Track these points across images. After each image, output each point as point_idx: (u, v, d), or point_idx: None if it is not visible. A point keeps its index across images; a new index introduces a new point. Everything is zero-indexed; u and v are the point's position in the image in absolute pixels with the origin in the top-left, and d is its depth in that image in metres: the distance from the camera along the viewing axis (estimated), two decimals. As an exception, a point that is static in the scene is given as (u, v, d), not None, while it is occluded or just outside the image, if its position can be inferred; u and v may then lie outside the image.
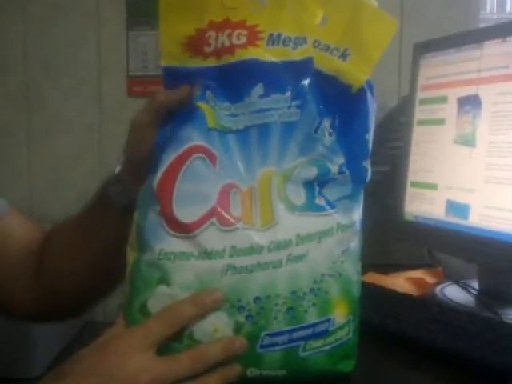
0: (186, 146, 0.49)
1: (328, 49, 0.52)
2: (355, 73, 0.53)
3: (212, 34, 0.51)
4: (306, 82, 0.51)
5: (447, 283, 0.90)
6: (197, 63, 0.52)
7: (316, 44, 0.52)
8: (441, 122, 0.87)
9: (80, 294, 0.67)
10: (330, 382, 0.52)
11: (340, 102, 0.52)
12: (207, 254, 0.48)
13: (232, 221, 0.48)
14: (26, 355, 1.09)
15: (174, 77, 0.54)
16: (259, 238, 0.48)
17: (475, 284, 0.87)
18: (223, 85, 0.51)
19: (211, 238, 0.48)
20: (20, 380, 1.08)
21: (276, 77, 0.51)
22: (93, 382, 0.44)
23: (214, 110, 0.51)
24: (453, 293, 0.85)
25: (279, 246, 0.48)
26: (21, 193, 1.56)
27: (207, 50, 0.51)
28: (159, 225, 0.49)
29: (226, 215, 0.48)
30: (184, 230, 0.48)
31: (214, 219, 0.48)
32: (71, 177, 1.56)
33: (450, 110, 0.85)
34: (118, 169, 0.64)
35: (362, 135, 0.54)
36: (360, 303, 0.55)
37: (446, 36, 0.89)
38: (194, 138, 0.50)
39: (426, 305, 0.72)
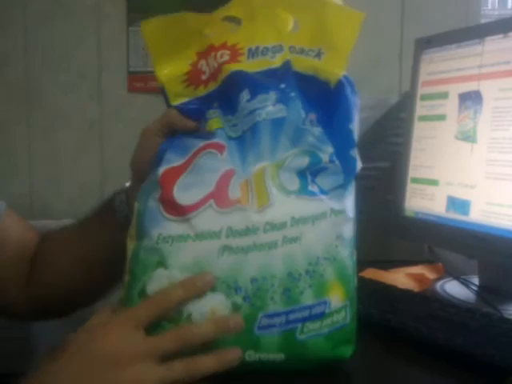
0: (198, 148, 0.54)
1: (303, 51, 0.56)
2: (331, 69, 0.56)
3: (203, 62, 0.57)
4: (287, 82, 0.55)
5: (448, 279, 0.90)
6: (201, 92, 0.57)
7: (292, 49, 0.56)
8: (442, 117, 0.86)
9: (72, 297, 0.68)
10: (330, 374, 0.53)
11: (321, 97, 0.55)
12: (204, 236, 0.49)
13: (229, 203, 0.50)
14: (27, 350, 1.09)
15: (187, 110, 0.57)
16: (255, 218, 0.50)
17: (476, 280, 0.87)
18: (224, 101, 0.55)
19: (208, 219, 0.50)
20: (20, 375, 1.09)
21: (259, 81, 0.55)
22: (75, 363, 0.45)
23: (223, 125, 0.55)
24: (453, 289, 0.85)
25: (274, 227, 0.50)
26: (21, 188, 1.56)
27: (204, 77, 0.57)
28: (157, 210, 0.51)
29: (223, 197, 0.51)
30: (181, 212, 0.50)
31: (211, 201, 0.50)
32: (71, 172, 1.56)
33: (450, 105, 0.85)
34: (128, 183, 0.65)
35: (345, 126, 0.55)
36: (360, 298, 0.55)
37: (447, 32, 0.89)
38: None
39: (427, 301, 0.72)
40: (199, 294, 0.48)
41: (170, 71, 0.58)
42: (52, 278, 0.67)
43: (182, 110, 0.57)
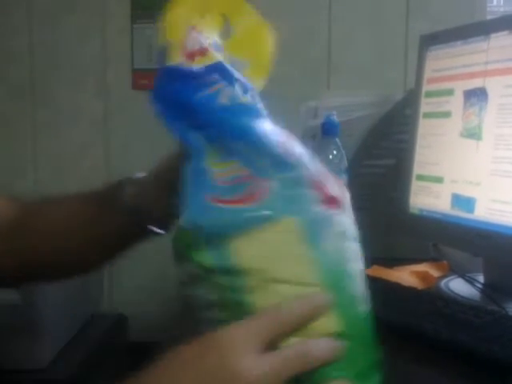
0: None
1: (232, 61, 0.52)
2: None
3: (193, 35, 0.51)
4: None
5: (452, 277, 0.90)
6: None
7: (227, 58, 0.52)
8: (447, 114, 0.86)
9: (59, 268, 0.68)
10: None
11: None
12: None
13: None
14: (33, 347, 1.10)
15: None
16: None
17: (480, 277, 0.87)
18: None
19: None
20: (27, 371, 1.09)
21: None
22: (191, 374, 0.41)
23: None
24: (458, 286, 0.85)
25: None
26: (26, 185, 1.56)
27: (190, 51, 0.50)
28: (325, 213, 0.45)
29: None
30: (340, 205, 0.46)
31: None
32: (76, 169, 1.57)
33: (456, 102, 0.84)
34: (138, 174, 0.65)
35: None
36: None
37: (452, 28, 0.89)
38: None
39: (431, 298, 0.72)
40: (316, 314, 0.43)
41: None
42: (40, 247, 0.66)
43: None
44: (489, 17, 1.47)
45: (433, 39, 0.90)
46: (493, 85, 0.78)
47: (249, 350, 0.41)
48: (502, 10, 1.55)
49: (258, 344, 0.41)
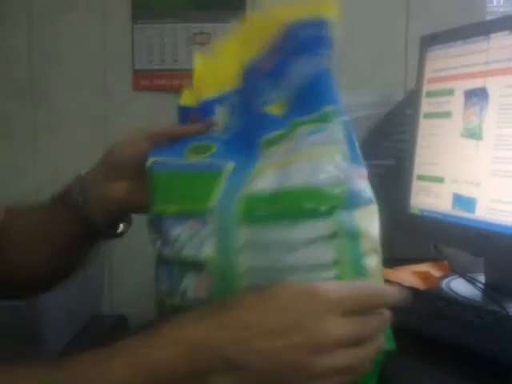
0: None
1: None
2: None
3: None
4: None
5: (453, 277, 0.90)
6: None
7: None
8: (447, 114, 0.86)
9: (34, 280, 0.68)
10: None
11: None
12: None
13: None
14: (34, 348, 1.10)
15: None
16: None
17: (481, 278, 0.87)
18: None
19: None
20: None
21: None
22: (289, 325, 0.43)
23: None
24: (459, 286, 0.85)
25: None
26: (26, 186, 1.56)
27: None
28: None
29: None
30: None
31: None
32: (76, 169, 1.56)
33: (456, 102, 0.84)
34: (85, 170, 0.67)
35: None
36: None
37: (452, 28, 0.89)
38: None
39: (432, 298, 0.72)
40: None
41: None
42: (15, 260, 0.66)
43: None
44: (489, 17, 1.46)
45: (433, 39, 0.90)
46: (493, 85, 0.78)
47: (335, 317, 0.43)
48: (501, 10, 1.55)
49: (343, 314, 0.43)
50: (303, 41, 0.55)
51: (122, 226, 0.66)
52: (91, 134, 1.56)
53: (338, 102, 0.52)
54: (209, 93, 0.62)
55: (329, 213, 0.47)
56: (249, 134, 0.56)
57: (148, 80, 1.52)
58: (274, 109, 0.55)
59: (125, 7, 1.51)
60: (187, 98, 0.63)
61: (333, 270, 0.47)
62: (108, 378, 0.42)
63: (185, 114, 0.63)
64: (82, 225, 0.63)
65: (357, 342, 0.44)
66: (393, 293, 0.47)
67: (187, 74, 0.67)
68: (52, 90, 1.55)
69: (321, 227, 0.47)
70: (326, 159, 0.49)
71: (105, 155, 0.63)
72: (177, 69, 1.49)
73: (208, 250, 0.48)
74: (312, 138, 0.50)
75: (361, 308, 0.44)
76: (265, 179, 0.50)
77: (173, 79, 1.50)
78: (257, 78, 0.58)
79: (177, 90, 0.65)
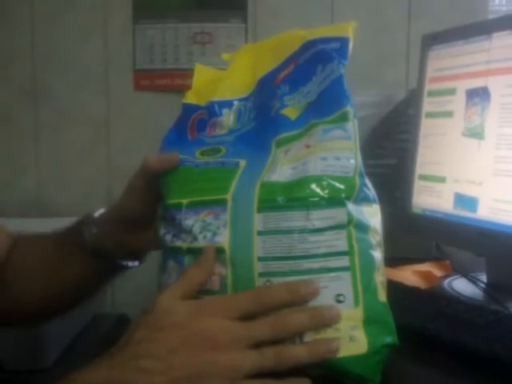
0: None
1: None
2: None
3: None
4: None
5: (455, 276, 0.90)
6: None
7: None
8: (449, 114, 0.86)
9: (36, 310, 0.68)
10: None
11: None
12: None
13: None
14: (36, 347, 1.10)
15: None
16: None
17: (483, 277, 0.87)
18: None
19: None
20: (29, 372, 1.09)
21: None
22: (175, 339, 0.46)
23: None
24: (461, 286, 0.85)
25: None
26: (28, 186, 1.56)
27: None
28: None
29: None
30: None
31: None
32: (79, 170, 1.56)
33: (458, 102, 0.84)
34: (98, 212, 0.66)
35: None
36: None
37: (454, 28, 0.89)
38: None
39: (434, 298, 0.72)
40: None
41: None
42: (21, 287, 0.66)
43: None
44: (491, 16, 1.46)
45: (435, 39, 0.90)
46: (495, 84, 0.78)
47: (229, 319, 0.47)
48: (504, 9, 1.54)
49: (234, 316, 0.47)
50: (325, 51, 0.57)
51: (136, 262, 0.66)
52: (93, 133, 1.56)
53: (353, 104, 0.54)
54: (218, 96, 0.63)
55: (343, 202, 0.49)
56: (260, 136, 0.58)
57: (149, 80, 1.52)
58: (289, 112, 0.57)
59: (126, 7, 1.51)
60: (191, 98, 0.65)
61: (345, 258, 0.48)
62: None
63: (190, 111, 0.64)
64: (94, 263, 0.64)
65: (253, 344, 0.46)
66: (278, 291, 0.48)
67: (188, 73, 0.68)
68: (54, 90, 1.55)
69: (335, 216, 0.48)
70: (345, 152, 0.51)
71: (114, 209, 0.63)
72: (178, 68, 1.49)
73: (223, 239, 0.49)
74: (331, 134, 0.52)
75: (249, 312, 0.47)
76: (281, 171, 0.52)
77: (174, 79, 1.50)
78: (272, 85, 0.60)
79: (178, 90, 0.65)
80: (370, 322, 0.48)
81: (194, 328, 0.46)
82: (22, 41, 1.54)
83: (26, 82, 1.54)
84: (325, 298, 0.48)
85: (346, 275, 0.48)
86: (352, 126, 0.53)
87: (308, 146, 0.53)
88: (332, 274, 0.48)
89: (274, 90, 0.60)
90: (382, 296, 0.51)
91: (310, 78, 0.57)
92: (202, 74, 0.68)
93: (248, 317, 0.47)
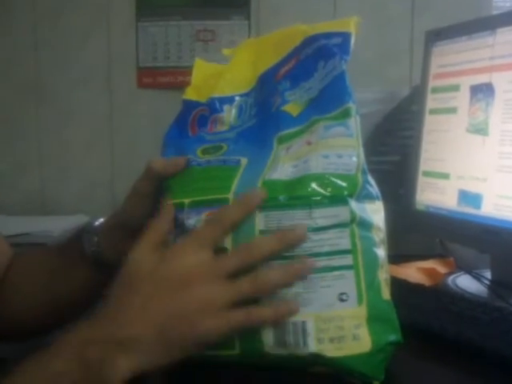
0: None
1: None
2: None
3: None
4: None
5: (459, 273, 0.90)
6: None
7: None
8: (453, 110, 0.86)
9: (36, 324, 0.68)
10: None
11: None
12: None
13: None
14: (42, 345, 1.10)
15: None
16: None
17: (488, 274, 0.86)
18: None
19: None
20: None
21: None
22: (148, 287, 0.47)
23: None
24: (465, 283, 0.85)
25: None
26: (31, 184, 1.57)
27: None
28: None
29: None
30: None
31: None
32: (82, 168, 1.57)
33: (462, 98, 0.84)
34: (99, 221, 0.65)
35: None
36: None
37: (457, 24, 0.88)
38: None
39: (438, 295, 0.72)
40: (253, 211, 0.48)
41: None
42: (18, 304, 0.66)
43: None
44: (494, 12, 1.46)
45: (438, 35, 0.90)
46: (499, 80, 0.78)
47: (196, 252, 0.48)
48: (507, 5, 1.54)
49: (204, 245, 0.48)
50: (327, 46, 0.57)
51: None
52: (96, 131, 1.56)
53: (355, 101, 0.54)
54: (219, 92, 0.63)
55: (345, 200, 0.48)
56: (262, 132, 0.57)
57: (152, 77, 1.52)
58: (290, 108, 0.56)
59: (129, 5, 1.51)
60: (191, 94, 0.64)
61: (348, 256, 0.48)
62: None
63: (190, 107, 0.63)
64: (95, 273, 0.63)
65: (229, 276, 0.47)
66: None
67: (191, 71, 0.67)
68: (56, 89, 1.55)
69: (338, 214, 0.48)
70: (347, 149, 0.51)
71: (117, 215, 0.63)
72: (181, 66, 1.49)
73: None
74: (332, 131, 0.52)
75: (215, 240, 0.48)
76: (282, 169, 0.51)
77: (177, 76, 1.50)
78: (274, 81, 0.60)
79: (181, 88, 0.65)
80: (373, 320, 0.48)
81: (164, 272, 0.47)
82: (24, 39, 1.54)
83: (29, 80, 1.55)
84: (328, 297, 0.48)
85: (350, 274, 0.48)
86: (354, 123, 0.52)
87: (309, 143, 0.52)
88: (335, 273, 0.48)
89: (275, 85, 0.59)
90: (386, 294, 0.50)
91: (311, 74, 0.57)
92: (201, 70, 0.67)
93: (215, 243, 0.48)
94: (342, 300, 0.48)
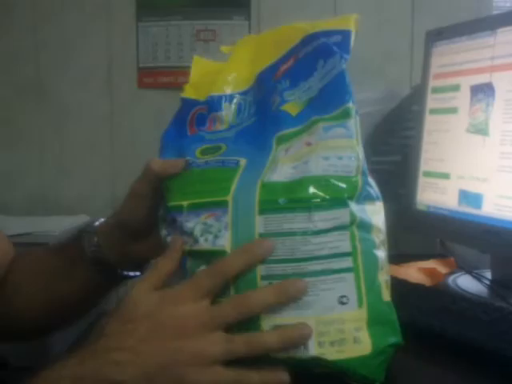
0: None
1: None
2: None
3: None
4: None
5: (460, 273, 0.90)
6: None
7: None
8: (453, 110, 0.86)
9: (37, 324, 0.68)
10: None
11: None
12: None
13: None
14: (43, 344, 1.10)
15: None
16: None
17: (488, 274, 0.86)
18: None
19: None
20: (34, 369, 1.10)
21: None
22: (143, 330, 0.46)
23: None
24: (465, 283, 0.85)
25: None
26: (32, 185, 1.57)
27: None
28: None
29: None
30: None
31: None
32: (82, 168, 1.57)
33: (462, 98, 0.84)
34: (99, 221, 0.65)
35: None
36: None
37: (458, 23, 0.88)
38: None
39: (439, 295, 0.72)
40: (258, 262, 0.47)
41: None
42: (19, 304, 0.66)
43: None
44: (495, 12, 1.45)
45: (439, 35, 0.90)
46: (500, 80, 0.77)
47: (194, 301, 0.47)
48: (508, 5, 1.54)
49: (202, 297, 0.47)
50: (326, 45, 0.56)
51: (138, 272, 0.66)
52: (97, 131, 1.56)
53: (355, 101, 0.53)
54: (217, 90, 0.62)
55: (345, 202, 0.48)
56: (261, 132, 0.57)
57: (152, 77, 1.52)
58: (290, 108, 0.56)
59: (129, 6, 1.51)
60: (189, 93, 0.64)
61: (348, 259, 0.48)
62: None
63: (189, 106, 0.62)
64: (95, 274, 0.63)
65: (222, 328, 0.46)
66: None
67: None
68: (58, 89, 1.55)
69: (338, 216, 0.48)
70: (347, 151, 0.50)
71: (117, 216, 0.62)
72: (181, 66, 1.50)
73: (224, 241, 0.49)
74: (333, 132, 0.51)
75: (209, 288, 0.47)
76: (281, 170, 0.51)
77: (177, 76, 1.50)
78: (273, 80, 0.59)
79: (181, 88, 0.64)
80: (373, 322, 0.48)
81: (160, 317, 0.47)
82: (25, 40, 1.54)
83: (30, 81, 1.55)
84: (328, 300, 0.47)
85: (350, 276, 0.47)
86: (354, 124, 0.52)
87: (309, 144, 0.52)
88: (335, 276, 0.47)
89: (274, 84, 0.59)
90: (386, 295, 0.50)
91: (311, 73, 0.56)
92: (200, 67, 0.67)
93: (214, 293, 0.48)
94: (342, 303, 0.47)
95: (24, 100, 1.56)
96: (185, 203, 0.52)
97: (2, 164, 1.55)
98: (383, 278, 0.50)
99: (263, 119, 0.58)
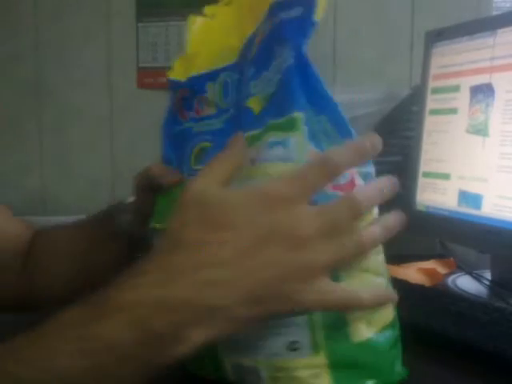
0: None
1: None
2: None
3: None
4: None
5: (459, 274, 0.90)
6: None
7: None
8: (453, 111, 0.86)
9: (61, 295, 0.68)
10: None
11: None
12: None
13: None
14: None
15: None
16: None
17: (488, 274, 0.86)
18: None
19: None
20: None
21: None
22: (246, 238, 0.37)
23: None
24: (465, 283, 0.85)
25: None
26: (32, 185, 1.57)
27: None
28: None
29: None
30: None
31: None
32: (82, 168, 1.57)
33: (462, 99, 0.84)
34: (129, 200, 0.65)
35: None
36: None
37: (458, 24, 0.88)
38: None
39: (438, 295, 0.72)
40: (366, 159, 0.43)
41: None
42: (44, 277, 0.66)
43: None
44: (495, 12, 1.45)
45: (439, 35, 0.90)
46: (499, 80, 0.78)
47: (302, 207, 0.38)
48: (508, 5, 1.54)
49: (309, 197, 0.39)
50: (280, 25, 0.44)
51: None
52: (97, 132, 1.56)
53: (314, 103, 0.43)
54: (199, 67, 0.53)
55: None
56: (236, 129, 0.47)
57: (152, 78, 1.52)
58: (253, 103, 0.46)
59: (129, 6, 1.51)
60: (177, 70, 0.56)
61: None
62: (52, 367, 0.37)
63: (174, 88, 0.56)
64: (128, 248, 0.63)
65: (334, 231, 0.39)
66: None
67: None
68: (57, 89, 1.55)
69: None
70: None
71: (136, 203, 0.63)
72: (181, 66, 1.50)
73: None
74: (274, 151, 0.42)
75: (317, 187, 0.39)
76: (233, 185, 0.43)
77: (177, 77, 1.50)
78: (250, 57, 0.48)
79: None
80: (338, 366, 0.42)
81: (264, 223, 0.37)
82: (25, 40, 1.54)
83: (30, 81, 1.55)
84: (276, 345, 0.42)
85: (302, 319, 0.41)
86: (300, 140, 0.41)
87: (253, 162, 0.43)
88: (286, 319, 0.41)
89: (248, 65, 0.48)
90: (359, 334, 0.43)
91: (270, 62, 0.45)
92: (198, 31, 0.58)
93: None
94: (292, 349, 0.41)
95: (24, 99, 1.56)
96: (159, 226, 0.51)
97: (1, 164, 1.55)
98: (355, 315, 0.43)
99: (237, 111, 0.49)
